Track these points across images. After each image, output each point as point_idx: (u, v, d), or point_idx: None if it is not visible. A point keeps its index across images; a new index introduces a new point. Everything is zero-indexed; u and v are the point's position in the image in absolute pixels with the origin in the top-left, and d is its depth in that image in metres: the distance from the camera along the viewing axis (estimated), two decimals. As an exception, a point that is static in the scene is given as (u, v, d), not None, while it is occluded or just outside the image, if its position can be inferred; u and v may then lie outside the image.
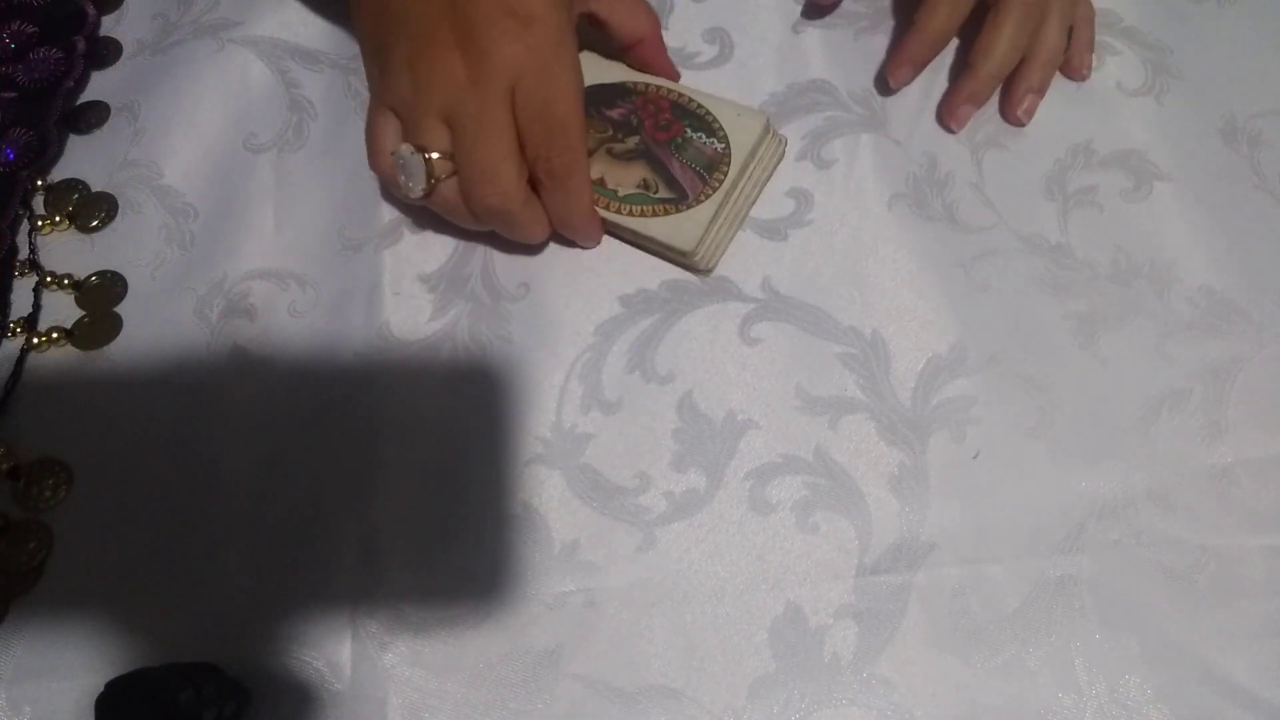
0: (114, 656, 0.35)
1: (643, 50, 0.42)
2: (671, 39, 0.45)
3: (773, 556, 0.36)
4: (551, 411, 0.38)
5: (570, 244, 0.41)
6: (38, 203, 0.42)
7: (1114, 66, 0.44)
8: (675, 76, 0.43)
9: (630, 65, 0.42)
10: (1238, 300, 0.39)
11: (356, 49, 0.45)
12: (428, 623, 0.36)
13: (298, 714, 0.34)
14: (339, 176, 0.44)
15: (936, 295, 0.40)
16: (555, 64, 0.36)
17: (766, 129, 0.40)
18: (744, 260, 0.41)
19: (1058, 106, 0.43)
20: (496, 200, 0.37)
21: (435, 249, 0.42)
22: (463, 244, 0.41)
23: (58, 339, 0.40)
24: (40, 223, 0.42)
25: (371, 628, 0.36)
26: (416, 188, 0.37)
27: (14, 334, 0.40)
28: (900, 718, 0.34)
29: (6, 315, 0.40)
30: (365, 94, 0.43)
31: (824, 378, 0.39)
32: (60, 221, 0.42)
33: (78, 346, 0.40)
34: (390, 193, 0.40)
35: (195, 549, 0.37)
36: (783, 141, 0.42)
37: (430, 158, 0.36)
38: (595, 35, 0.41)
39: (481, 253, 0.41)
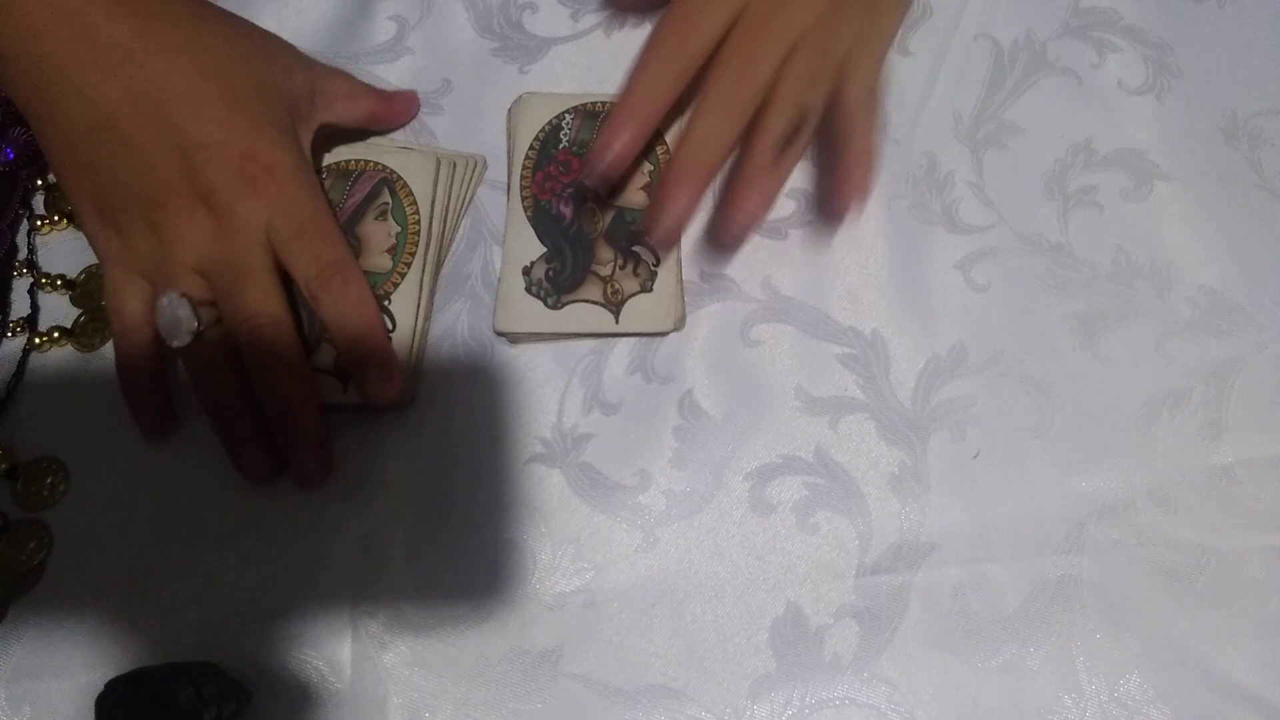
0: (114, 656, 0.35)
1: (379, 122, 0.43)
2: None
3: (773, 556, 0.36)
4: (553, 413, 0.38)
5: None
6: (37, 202, 0.42)
7: (1114, 65, 0.44)
8: (413, 113, 0.43)
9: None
10: (1238, 300, 0.39)
11: (354, 48, 0.45)
12: (428, 623, 0.36)
13: (298, 714, 0.34)
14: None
15: (937, 295, 0.40)
16: (299, 197, 0.37)
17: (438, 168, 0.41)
18: (745, 260, 0.41)
19: (1058, 105, 0.43)
20: (269, 328, 0.36)
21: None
22: (462, 244, 0.41)
23: (58, 339, 0.40)
24: (39, 222, 0.42)
25: (371, 628, 0.36)
26: (186, 329, 0.36)
27: (14, 334, 0.40)
28: (901, 717, 0.34)
29: (6, 315, 0.40)
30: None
31: (824, 378, 0.39)
32: (59, 221, 0.42)
33: (77, 346, 0.40)
34: (131, 378, 0.38)
35: (195, 549, 0.37)
36: (475, 163, 0.42)
37: (195, 301, 0.36)
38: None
39: (481, 252, 0.41)
